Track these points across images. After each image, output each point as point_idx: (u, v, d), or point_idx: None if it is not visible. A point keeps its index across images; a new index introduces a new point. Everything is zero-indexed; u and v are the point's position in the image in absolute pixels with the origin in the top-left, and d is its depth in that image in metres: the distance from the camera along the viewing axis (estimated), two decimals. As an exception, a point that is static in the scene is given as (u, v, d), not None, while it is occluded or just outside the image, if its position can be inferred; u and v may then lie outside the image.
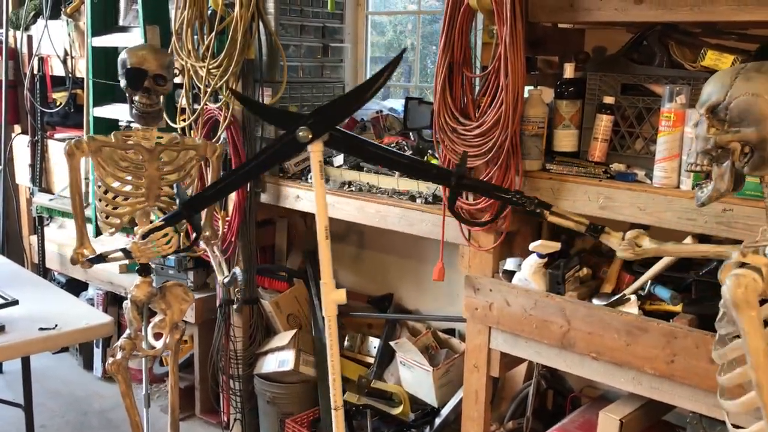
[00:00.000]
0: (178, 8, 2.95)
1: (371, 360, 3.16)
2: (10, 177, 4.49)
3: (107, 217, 2.33)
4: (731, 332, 1.19)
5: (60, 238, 4.18)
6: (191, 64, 2.95)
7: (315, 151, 1.69)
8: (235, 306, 2.91)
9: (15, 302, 2.68)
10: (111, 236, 2.39)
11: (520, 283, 2.24)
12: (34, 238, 4.35)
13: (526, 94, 2.20)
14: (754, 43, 2.04)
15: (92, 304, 3.85)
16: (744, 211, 1.83)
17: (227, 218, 3.09)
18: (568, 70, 2.21)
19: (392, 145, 2.81)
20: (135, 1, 3.41)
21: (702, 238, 1.99)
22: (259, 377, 3.23)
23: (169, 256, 3.30)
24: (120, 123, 3.52)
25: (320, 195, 1.69)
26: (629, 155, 2.15)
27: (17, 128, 4.42)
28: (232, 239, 3.10)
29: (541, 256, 2.19)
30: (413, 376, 2.87)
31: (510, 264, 2.32)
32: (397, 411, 2.93)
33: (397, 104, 3.26)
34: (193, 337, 3.52)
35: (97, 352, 4.00)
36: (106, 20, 3.54)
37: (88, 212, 3.74)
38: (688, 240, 1.99)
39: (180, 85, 3.06)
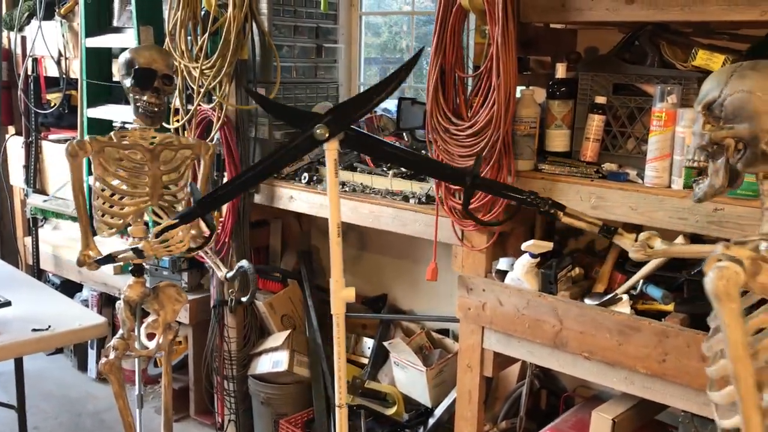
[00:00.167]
0: (172, 9, 2.95)
1: (365, 360, 3.16)
2: (4, 178, 4.48)
3: (110, 218, 2.33)
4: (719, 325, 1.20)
5: (54, 239, 4.17)
6: (185, 64, 2.95)
7: (331, 149, 1.69)
8: (245, 299, 2.80)
9: (8, 303, 2.68)
10: (109, 237, 2.37)
11: (513, 282, 2.24)
12: (28, 240, 4.34)
13: (518, 95, 2.20)
14: (745, 43, 2.05)
15: (87, 306, 3.85)
16: (735, 211, 1.83)
17: (221, 219, 3.09)
18: (560, 70, 2.21)
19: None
20: (129, 2, 3.41)
21: (693, 238, 2.00)
22: (254, 378, 3.23)
23: (164, 257, 3.30)
24: (114, 124, 3.52)
25: (333, 193, 1.68)
26: (621, 155, 2.15)
27: (11, 129, 4.41)
28: (226, 240, 3.10)
29: (533, 255, 2.19)
30: (407, 376, 2.88)
31: (503, 264, 2.32)
32: (391, 411, 2.93)
33: (391, 104, 3.26)
34: (188, 338, 3.51)
35: (92, 354, 4.00)
36: (99, 21, 3.54)
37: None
38: (680, 239, 2.00)
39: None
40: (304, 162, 2.98)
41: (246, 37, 2.90)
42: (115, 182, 2.32)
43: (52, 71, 4.00)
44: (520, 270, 2.22)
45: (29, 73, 4.09)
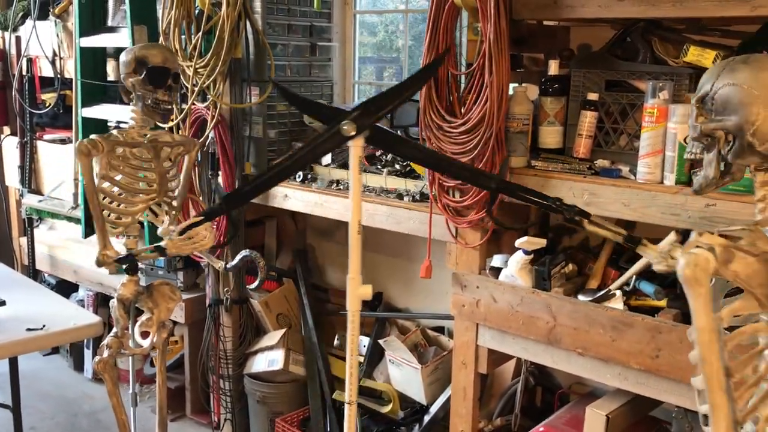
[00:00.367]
0: (166, 8, 2.95)
1: (361, 358, 3.16)
2: (-1, 179, 4.48)
3: (117, 217, 2.33)
4: None
5: (50, 239, 4.17)
6: (179, 63, 2.95)
7: (356, 146, 1.63)
8: (254, 285, 2.76)
9: (2, 303, 2.68)
10: (114, 236, 2.37)
11: (506, 279, 2.24)
12: (23, 240, 4.34)
13: (511, 92, 2.20)
14: (736, 39, 2.05)
15: (82, 306, 3.84)
16: (727, 206, 1.84)
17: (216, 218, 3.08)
18: (553, 67, 2.21)
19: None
20: (123, 2, 3.40)
21: (685, 234, 2.00)
22: (249, 377, 3.23)
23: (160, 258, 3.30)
24: (109, 123, 3.52)
25: (356, 191, 1.64)
26: (614, 151, 2.16)
27: (6, 130, 4.41)
28: (221, 239, 3.10)
29: (527, 252, 2.19)
30: (402, 374, 2.88)
31: (497, 261, 2.32)
32: (386, 409, 2.93)
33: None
34: (183, 338, 3.51)
35: (88, 354, 4.00)
36: (94, 20, 3.53)
37: (78, 213, 3.74)
38: (672, 236, 1.99)
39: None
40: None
41: (240, 35, 2.90)
42: (125, 180, 2.33)
43: (46, 71, 4.00)
44: (514, 267, 2.22)
45: (24, 73, 4.08)
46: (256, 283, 2.60)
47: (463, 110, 2.23)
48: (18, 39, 4.12)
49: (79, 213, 3.65)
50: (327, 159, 2.89)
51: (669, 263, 1.49)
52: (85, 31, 3.47)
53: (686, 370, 1.85)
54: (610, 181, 2.05)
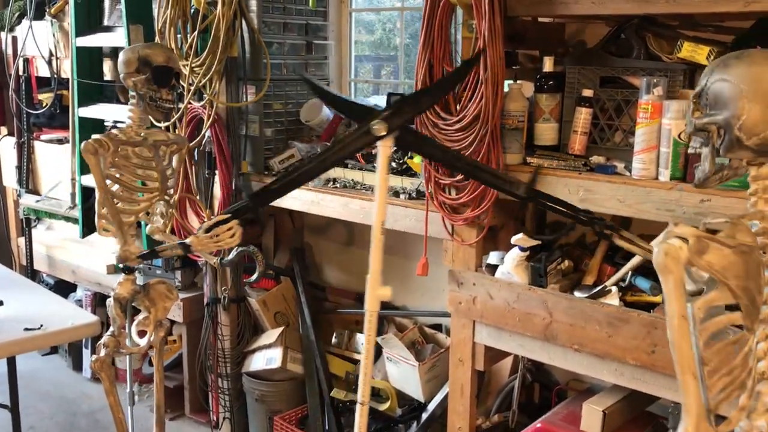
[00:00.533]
0: (161, 7, 2.95)
1: (359, 356, 3.16)
2: (-4, 179, 4.48)
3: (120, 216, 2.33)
4: None
5: (48, 239, 4.17)
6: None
7: (385, 146, 1.63)
8: (253, 278, 2.76)
9: (0, 303, 2.68)
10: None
11: (503, 276, 2.25)
12: (21, 240, 4.34)
13: (506, 89, 2.21)
14: (729, 34, 2.06)
15: (81, 305, 3.85)
16: (722, 202, 1.84)
17: (212, 216, 3.08)
18: (548, 64, 2.21)
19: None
20: (119, 1, 3.40)
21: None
22: (248, 375, 3.24)
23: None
24: (105, 123, 3.53)
25: (382, 192, 1.62)
26: (609, 147, 2.16)
27: (3, 130, 4.41)
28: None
29: (523, 249, 2.20)
30: (400, 371, 2.88)
31: (493, 258, 2.32)
32: (384, 406, 2.94)
33: (382, 101, 3.27)
34: (182, 337, 3.52)
35: (86, 354, 4.00)
36: (90, 20, 3.53)
37: (76, 213, 3.74)
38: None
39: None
40: (296, 159, 2.98)
41: (235, 34, 2.90)
42: (128, 179, 2.33)
43: (43, 71, 4.00)
44: (510, 264, 2.22)
45: (20, 73, 4.08)
46: (255, 275, 2.60)
47: (458, 107, 2.23)
48: (14, 39, 4.12)
49: (77, 213, 3.65)
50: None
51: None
52: (81, 31, 3.48)
53: (682, 366, 1.85)
54: (605, 177, 2.05)
